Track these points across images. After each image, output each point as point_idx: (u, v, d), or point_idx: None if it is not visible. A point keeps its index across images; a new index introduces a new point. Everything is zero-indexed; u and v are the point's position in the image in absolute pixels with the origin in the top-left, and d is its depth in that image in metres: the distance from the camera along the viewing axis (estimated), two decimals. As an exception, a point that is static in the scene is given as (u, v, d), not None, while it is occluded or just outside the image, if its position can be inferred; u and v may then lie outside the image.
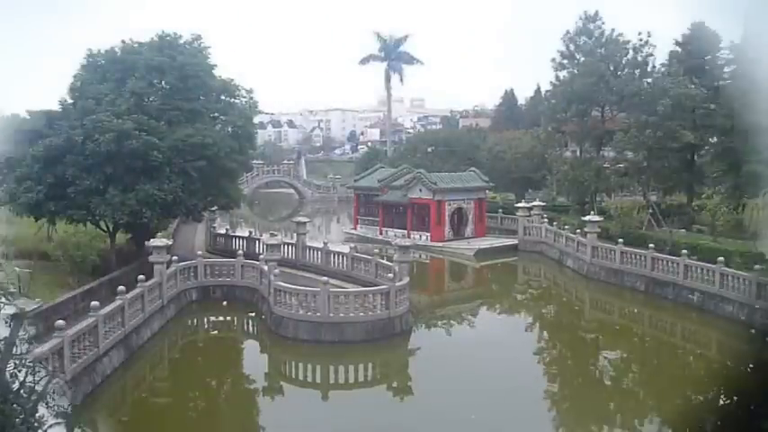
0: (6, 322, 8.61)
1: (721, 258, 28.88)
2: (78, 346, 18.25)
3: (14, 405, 7.82)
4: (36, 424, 8.00)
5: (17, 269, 26.66)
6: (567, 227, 42.12)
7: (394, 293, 24.77)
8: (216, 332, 28.17)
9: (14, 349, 8.36)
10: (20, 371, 8.16)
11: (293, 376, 22.56)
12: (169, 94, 32.13)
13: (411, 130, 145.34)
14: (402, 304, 25.36)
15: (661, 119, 42.32)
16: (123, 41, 34.07)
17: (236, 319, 28.77)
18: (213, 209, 38.99)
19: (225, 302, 29.45)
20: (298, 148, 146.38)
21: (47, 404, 8.35)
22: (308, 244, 36.11)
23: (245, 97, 35.66)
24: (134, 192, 28.41)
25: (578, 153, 52.29)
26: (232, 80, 35.20)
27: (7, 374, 8.01)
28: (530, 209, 47.38)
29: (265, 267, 27.69)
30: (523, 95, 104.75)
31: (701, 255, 32.53)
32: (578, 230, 39.17)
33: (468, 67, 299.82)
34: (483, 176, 50.70)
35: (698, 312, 28.75)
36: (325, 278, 25.55)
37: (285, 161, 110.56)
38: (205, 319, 28.70)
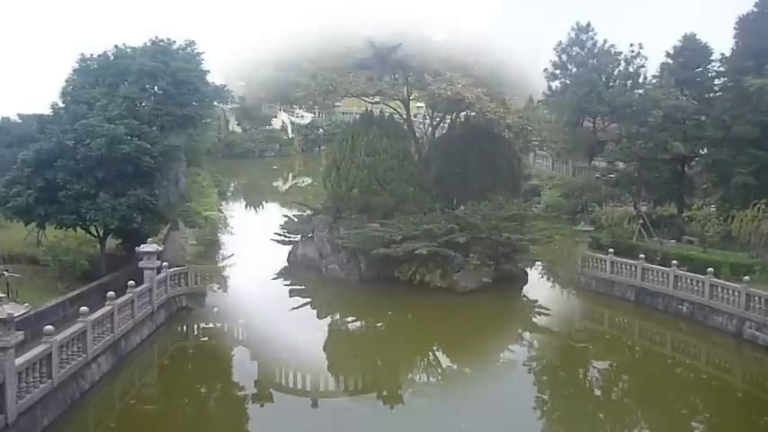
0: None
1: (711, 269, 29.05)
2: (66, 352, 18.12)
3: None
4: None
5: (6, 274, 26.44)
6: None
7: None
8: (206, 339, 28.00)
9: None
10: None
11: (283, 383, 22.44)
12: (162, 99, 32.04)
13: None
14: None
15: (652, 130, 42.55)
16: (116, 46, 34.04)
17: (226, 325, 28.60)
18: (205, 214, 38.73)
19: (215, 309, 29.29)
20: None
21: None
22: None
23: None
24: (125, 197, 28.26)
25: (570, 163, 52.53)
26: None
27: None
28: (521, 218, 47.24)
29: (256, 274, 27.59)
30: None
31: (690, 265, 32.67)
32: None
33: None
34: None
35: (688, 323, 28.86)
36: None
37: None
38: (195, 326, 28.53)
